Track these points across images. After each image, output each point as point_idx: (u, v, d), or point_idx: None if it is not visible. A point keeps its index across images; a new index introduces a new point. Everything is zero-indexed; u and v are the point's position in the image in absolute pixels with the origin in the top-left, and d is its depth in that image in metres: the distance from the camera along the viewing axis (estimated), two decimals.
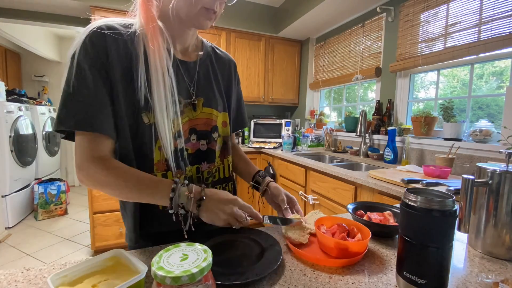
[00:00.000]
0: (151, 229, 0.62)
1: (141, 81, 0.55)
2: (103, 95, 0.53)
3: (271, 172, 2.48)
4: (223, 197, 0.54)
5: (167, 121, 0.56)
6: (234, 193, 0.80)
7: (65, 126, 0.51)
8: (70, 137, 0.56)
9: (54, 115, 3.98)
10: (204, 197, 0.53)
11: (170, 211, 0.52)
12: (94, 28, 0.53)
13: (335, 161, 2.29)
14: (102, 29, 0.53)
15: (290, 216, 0.70)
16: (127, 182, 0.53)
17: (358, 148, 2.16)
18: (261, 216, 0.58)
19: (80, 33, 0.54)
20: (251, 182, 0.80)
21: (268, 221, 0.61)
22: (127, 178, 0.53)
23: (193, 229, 0.55)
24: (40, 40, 3.67)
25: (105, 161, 0.53)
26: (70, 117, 0.50)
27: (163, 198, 0.52)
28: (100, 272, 0.43)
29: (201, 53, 0.69)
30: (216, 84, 0.71)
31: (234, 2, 0.60)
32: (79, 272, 0.42)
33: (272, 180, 0.78)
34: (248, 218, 0.55)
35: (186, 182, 0.55)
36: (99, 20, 0.55)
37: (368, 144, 2.13)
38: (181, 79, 0.63)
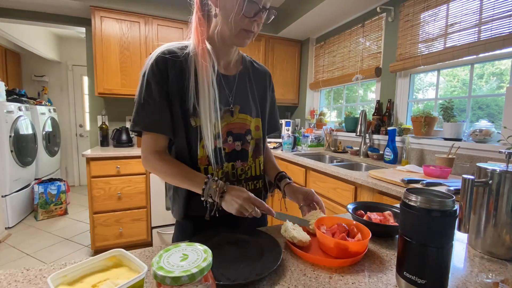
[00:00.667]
0: (193, 212, 0.77)
1: (191, 92, 0.69)
2: (164, 105, 0.70)
3: None
4: (239, 192, 0.66)
5: (210, 124, 0.69)
6: (265, 189, 0.90)
7: (138, 128, 0.70)
8: (140, 134, 0.73)
9: (54, 115, 3.99)
10: (227, 190, 0.66)
11: (202, 198, 0.67)
12: (159, 53, 0.70)
13: (335, 161, 2.29)
14: (164, 53, 0.70)
15: (307, 214, 0.76)
16: (175, 170, 0.70)
17: (358, 148, 2.16)
18: (273, 212, 0.67)
19: (149, 56, 0.71)
20: (271, 188, 0.94)
21: (279, 217, 0.70)
22: (175, 168, 0.70)
23: (217, 215, 0.69)
24: (40, 40, 3.67)
25: (161, 154, 0.72)
26: (141, 121, 0.70)
27: (198, 187, 0.68)
28: (100, 272, 0.43)
29: (241, 67, 0.83)
30: (252, 93, 0.83)
31: (271, 19, 0.71)
32: (79, 272, 0.42)
33: (289, 181, 0.87)
34: (257, 210, 0.65)
35: (216, 178, 0.69)
36: (163, 45, 0.72)
37: (368, 144, 2.13)
38: (222, 90, 0.75)
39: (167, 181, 0.74)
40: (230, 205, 0.65)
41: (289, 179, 0.87)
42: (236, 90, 0.79)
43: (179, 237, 0.81)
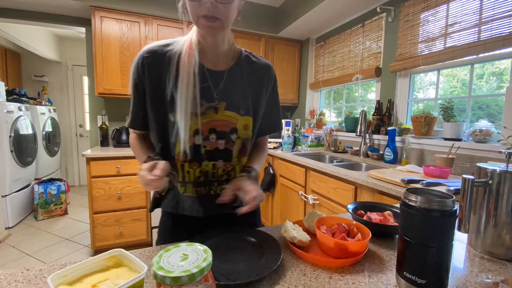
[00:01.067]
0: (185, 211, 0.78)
1: (170, 88, 0.69)
2: (139, 103, 0.74)
3: (271, 172, 2.49)
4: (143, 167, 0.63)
5: (186, 120, 0.68)
6: None
7: (129, 126, 0.78)
8: None
9: (54, 115, 4.00)
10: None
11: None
12: (140, 53, 0.72)
13: (335, 161, 2.29)
14: (144, 53, 0.71)
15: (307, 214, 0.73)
16: (136, 148, 0.77)
17: (358, 148, 2.16)
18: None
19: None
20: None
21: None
22: (138, 146, 0.77)
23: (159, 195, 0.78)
24: (40, 40, 3.67)
25: (140, 135, 0.79)
26: (129, 117, 0.78)
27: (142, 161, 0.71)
28: (100, 272, 0.43)
29: (233, 62, 0.78)
30: (242, 90, 0.77)
31: (232, 1, 0.64)
32: (79, 272, 0.42)
33: (249, 175, 0.75)
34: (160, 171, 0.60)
35: (156, 156, 0.70)
36: (147, 45, 0.73)
37: (368, 144, 2.13)
38: (206, 85, 0.73)
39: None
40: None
41: (249, 172, 0.75)
42: (224, 86, 0.75)
43: (160, 229, 0.85)
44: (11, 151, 2.84)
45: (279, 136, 2.85)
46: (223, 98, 0.74)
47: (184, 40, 0.73)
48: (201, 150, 0.72)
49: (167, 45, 0.73)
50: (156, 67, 0.71)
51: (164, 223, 0.83)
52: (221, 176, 0.77)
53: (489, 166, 0.60)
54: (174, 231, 0.80)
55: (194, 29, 0.72)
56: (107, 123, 2.72)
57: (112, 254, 0.45)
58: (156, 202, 0.81)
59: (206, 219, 0.77)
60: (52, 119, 3.89)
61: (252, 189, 0.66)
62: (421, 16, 1.82)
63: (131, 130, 0.80)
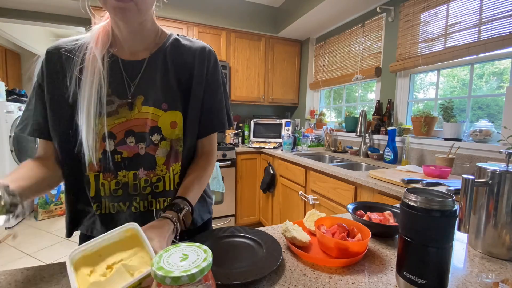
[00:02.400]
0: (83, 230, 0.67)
1: (73, 86, 0.58)
2: (39, 106, 0.60)
3: (271, 172, 2.49)
4: None
5: (91, 121, 0.56)
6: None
7: (23, 133, 0.62)
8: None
9: None
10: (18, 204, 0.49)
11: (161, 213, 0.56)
12: (46, 49, 0.61)
13: (335, 161, 2.29)
14: (48, 50, 0.61)
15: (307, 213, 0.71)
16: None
17: (358, 148, 2.16)
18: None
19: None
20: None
21: None
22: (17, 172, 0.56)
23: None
24: (40, 40, 3.67)
25: (37, 160, 0.61)
26: (19, 123, 0.62)
27: None
28: (117, 245, 0.44)
29: (155, 50, 0.64)
30: (165, 79, 0.63)
31: None
32: (97, 245, 0.43)
33: (173, 218, 0.53)
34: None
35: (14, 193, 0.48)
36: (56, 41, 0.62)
37: (368, 144, 2.13)
38: (119, 78, 0.61)
39: None
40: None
41: (177, 210, 0.55)
42: (141, 77, 0.61)
43: None
44: (11, 151, 2.84)
45: (279, 136, 2.85)
46: (140, 92, 0.61)
47: (93, 29, 0.61)
48: (115, 157, 0.60)
49: (76, 40, 0.61)
50: (60, 63, 0.59)
51: None
52: (144, 189, 0.62)
53: (489, 166, 0.60)
54: None
55: (107, 15, 0.61)
56: None
57: (128, 227, 0.45)
58: (73, 223, 0.65)
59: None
60: None
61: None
62: (421, 16, 1.82)
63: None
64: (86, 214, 0.65)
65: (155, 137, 0.62)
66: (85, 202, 0.64)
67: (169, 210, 0.55)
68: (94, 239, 0.43)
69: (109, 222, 0.63)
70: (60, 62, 0.59)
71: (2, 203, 0.45)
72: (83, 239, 0.66)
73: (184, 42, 0.68)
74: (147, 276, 0.40)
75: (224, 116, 0.71)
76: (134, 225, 0.45)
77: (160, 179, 0.64)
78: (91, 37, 0.60)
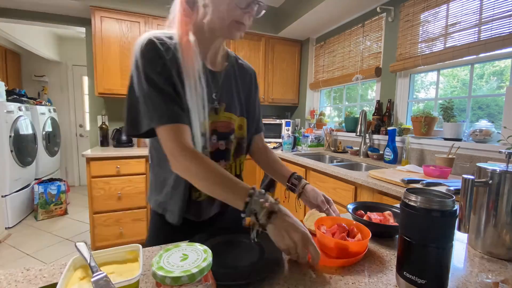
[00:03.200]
0: (190, 215, 0.73)
1: (176, 79, 0.63)
2: (172, 94, 0.62)
3: None
4: (296, 223, 0.53)
5: (198, 123, 0.65)
6: None
7: (155, 123, 0.60)
8: (145, 135, 0.65)
9: (54, 115, 3.99)
10: (277, 212, 0.53)
11: (242, 215, 0.55)
12: (150, 39, 0.62)
13: (335, 161, 2.29)
14: (155, 39, 0.63)
15: (307, 214, 0.77)
16: (212, 176, 0.58)
17: (358, 148, 2.16)
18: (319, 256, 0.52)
19: (136, 47, 0.63)
20: (287, 184, 0.86)
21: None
22: (212, 172, 0.58)
23: (255, 240, 0.55)
24: (40, 40, 3.67)
25: (192, 151, 0.60)
26: (154, 115, 0.60)
27: (238, 200, 0.55)
28: (118, 263, 0.47)
29: (226, 63, 0.78)
30: (237, 91, 0.79)
31: (262, 14, 0.68)
32: (100, 259, 0.45)
33: (308, 182, 0.83)
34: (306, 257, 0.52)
35: (263, 191, 0.55)
36: (147, 33, 0.65)
37: (368, 144, 2.13)
38: (208, 86, 0.70)
39: (198, 186, 0.60)
40: (280, 235, 0.52)
41: (299, 179, 0.84)
42: (222, 87, 0.74)
43: (154, 236, 0.76)
44: (11, 151, 2.84)
45: (279, 136, 2.85)
46: (223, 100, 0.73)
47: (180, 34, 0.65)
48: (204, 152, 0.69)
49: (170, 37, 0.65)
50: (172, 56, 0.63)
51: (164, 230, 0.74)
52: (234, 173, 0.79)
53: (489, 166, 0.60)
54: (174, 234, 0.70)
55: (182, 24, 0.66)
56: (107, 123, 2.72)
57: (133, 248, 0.48)
58: (182, 211, 0.70)
59: (205, 222, 0.76)
60: (52, 119, 3.89)
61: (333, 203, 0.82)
62: (421, 16, 1.82)
63: (173, 142, 0.59)
64: (178, 200, 0.70)
65: (232, 136, 0.76)
66: (180, 189, 0.70)
67: (302, 179, 0.84)
68: (100, 251, 0.46)
69: (203, 209, 0.75)
70: (169, 53, 0.63)
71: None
72: (188, 224, 0.73)
73: (241, 62, 0.84)
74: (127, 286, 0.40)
75: (262, 122, 0.93)
76: (138, 247, 0.49)
77: (230, 167, 0.79)
78: (180, 43, 0.65)
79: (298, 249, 0.51)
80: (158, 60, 0.61)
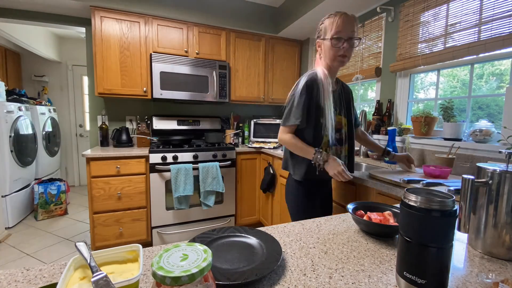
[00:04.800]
0: (309, 175, 1.27)
1: (321, 101, 1.21)
2: (305, 109, 1.22)
3: (271, 172, 2.48)
4: (336, 164, 1.16)
5: (330, 124, 1.21)
6: (349, 160, 1.38)
7: (292, 122, 1.22)
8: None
9: (54, 115, 3.99)
10: (327, 160, 1.16)
11: (312, 162, 1.20)
12: (311, 79, 1.21)
13: None
14: (310, 79, 1.21)
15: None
16: (298, 145, 1.22)
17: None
18: (350, 177, 1.17)
19: (300, 81, 1.26)
20: (383, 154, 1.50)
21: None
22: (298, 144, 1.22)
23: (317, 172, 1.22)
24: (40, 40, 3.67)
25: (293, 135, 1.25)
26: (293, 118, 1.22)
27: (310, 155, 1.19)
28: (118, 263, 0.47)
29: (336, 85, 1.32)
30: (346, 102, 1.34)
31: (356, 46, 1.20)
32: (100, 259, 0.46)
33: (394, 152, 1.48)
34: (348, 174, 1.15)
35: (321, 150, 1.18)
36: (311, 73, 1.24)
37: None
38: (334, 101, 1.24)
39: (292, 150, 1.26)
40: (330, 169, 1.16)
41: (392, 151, 1.49)
42: (338, 101, 1.29)
43: (298, 191, 1.31)
44: (11, 151, 2.84)
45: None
46: (336, 108, 1.27)
47: (320, 72, 1.22)
48: (335, 140, 1.26)
49: (327, 76, 1.22)
50: (316, 91, 1.20)
51: (302, 185, 1.30)
52: (345, 152, 1.33)
53: (489, 166, 0.60)
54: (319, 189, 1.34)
55: (320, 64, 1.27)
56: (107, 123, 2.72)
57: (133, 248, 0.49)
58: (307, 174, 1.25)
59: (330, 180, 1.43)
60: (52, 119, 3.89)
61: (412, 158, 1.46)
62: (421, 16, 1.82)
63: (286, 131, 1.25)
64: (317, 168, 1.22)
65: (343, 131, 1.31)
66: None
67: (391, 153, 1.48)
68: (100, 251, 0.47)
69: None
70: (317, 90, 1.21)
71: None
72: (310, 181, 1.30)
73: (344, 85, 1.40)
74: (136, 283, 0.40)
75: (358, 119, 1.54)
76: (138, 247, 0.49)
77: (342, 150, 1.32)
78: (322, 76, 1.21)
79: (339, 175, 1.14)
80: (308, 89, 1.22)
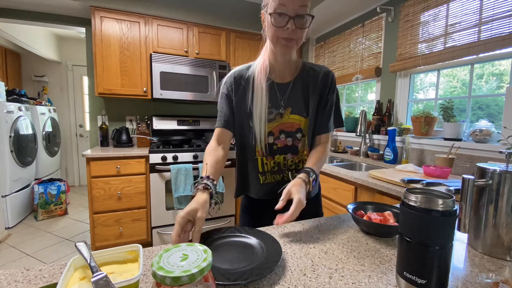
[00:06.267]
0: (244, 191, 1.01)
1: (249, 101, 0.89)
2: (229, 111, 0.91)
3: None
4: (189, 206, 0.65)
5: (260, 125, 0.88)
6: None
7: (217, 125, 0.91)
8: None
9: (54, 115, 3.99)
10: (194, 196, 0.70)
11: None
12: (231, 73, 0.92)
13: (335, 161, 2.28)
14: (233, 73, 0.92)
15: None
16: (206, 158, 0.84)
17: (358, 148, 2.16)
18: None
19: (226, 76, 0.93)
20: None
21: None
22: (207, 159, 0.83)
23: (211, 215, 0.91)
24: (40, 40, 3.67)
25: (216, 145, 0.89)
26: (217, 121, 0.91)
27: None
28: (118, 263, 0.47)
29: (296, 74, 0.92)
30: (304, 96, 0.92)
31: (307, 26, 0.79)
32: (100, 259, 0.46)
33: (305, 179, 0.80)
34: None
35: (205, 182, 0.73)
36: (235, 68, 0.93)
37: (368, 144, 2.13)
38: (274, 96, 0.90)
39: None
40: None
41: (308, 174, 0.81)
42: (289, 95, 0.91)
43: (242, 209, 1.04)
44: (11, 151, 2.84)
45: None
46: (288, 105, 0.90)
47: (257, 63, 0.90)
48: (273, 147, 0.91)
49: (248, 67, 0.92)
50: (242, 87, 0.90)
51: (247, 206, 1.02)
52: (290, 166, 0.95)
53: (489, 166, 0.60)
54: (253, 211, 1.00)
55: (263, 52, 0.90)
56: (107, 123, 2.72)
57: (133, 248, 0.49)
58: (242, 189, 1.00)
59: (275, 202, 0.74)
60: (52, 119, 3.89)
61: (296, 200, 0.70)
62: (421, 16, 1.82)
63: (214, 136, 0.91)
64: (254, 183, 0.95)
65: (299, 135, 0.92)
66: (253, 175, 0.95)
67: (303, 173, 0.81)
68: (100, 251, 0.47)
69: (270, 189, 0.93)
70: (242, 86, 0.90)
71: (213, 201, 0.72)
72: (248, 199, 1.01)
73: (315, 68, 0.93)
74: (136, 284, 0.40)
75: (342, 117, 1.00)
76: (138, 247, 0.49)
77: (300, 161, 0.95)
78: (256, 68, 0.89)
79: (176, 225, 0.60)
80: (227, 86, 0.92)
